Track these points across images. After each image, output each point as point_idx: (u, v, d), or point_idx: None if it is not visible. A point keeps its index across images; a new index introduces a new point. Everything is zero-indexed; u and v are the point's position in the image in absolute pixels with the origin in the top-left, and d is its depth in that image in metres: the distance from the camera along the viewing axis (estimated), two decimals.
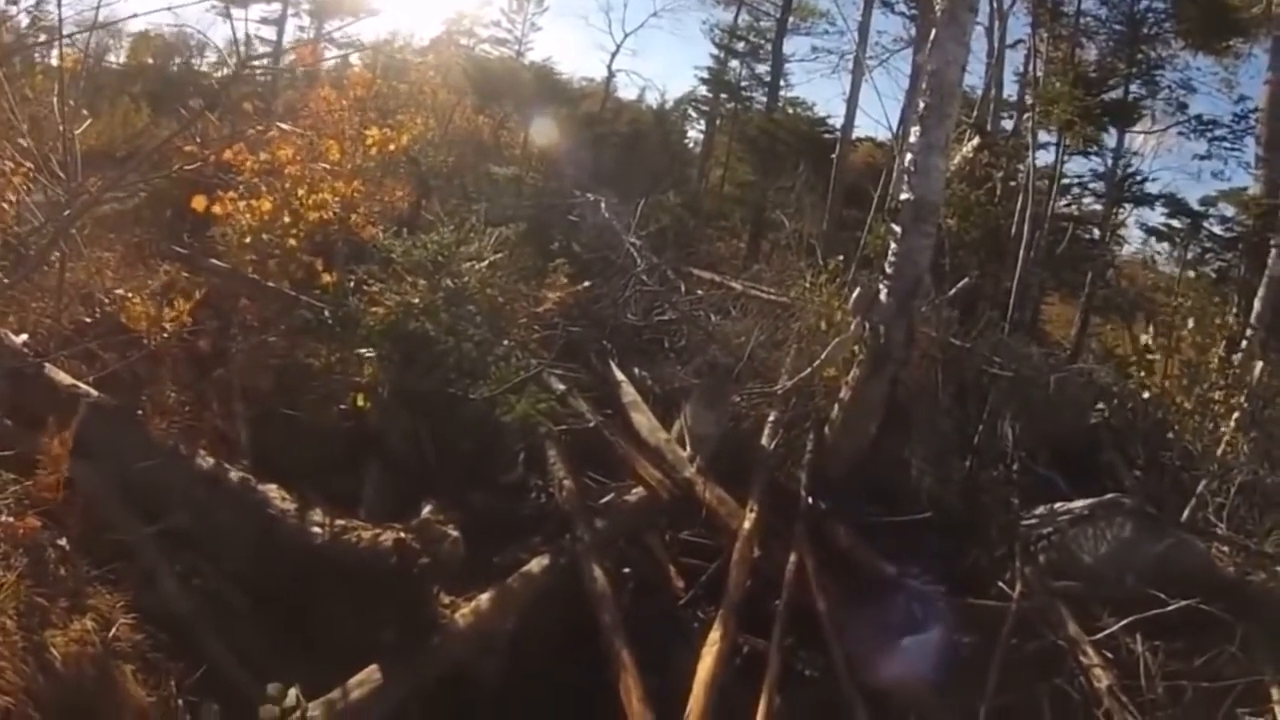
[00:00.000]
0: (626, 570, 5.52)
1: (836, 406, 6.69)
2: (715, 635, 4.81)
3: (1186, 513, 6.42)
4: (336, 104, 7.18)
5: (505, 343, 6.74)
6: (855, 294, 6.69)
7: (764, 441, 6.81)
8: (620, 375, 7.64)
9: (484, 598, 4.72)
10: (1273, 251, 11.58)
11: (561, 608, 5.04)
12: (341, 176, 6.76)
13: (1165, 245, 18.78)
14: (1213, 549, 6.07)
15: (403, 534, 4.48)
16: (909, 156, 6.56)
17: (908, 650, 5.06)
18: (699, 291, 10.24)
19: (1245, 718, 4.75)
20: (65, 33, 5.25)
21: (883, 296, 6.43)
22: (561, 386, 6.91)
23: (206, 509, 4.57)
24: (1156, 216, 18.07)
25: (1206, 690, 4.81)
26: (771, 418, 7.04)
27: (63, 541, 3.85)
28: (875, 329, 6.38)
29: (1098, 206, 18.05)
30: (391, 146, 7.28)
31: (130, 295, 5.86)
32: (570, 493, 5.83)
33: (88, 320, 6.01)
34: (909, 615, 5.40)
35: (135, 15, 6.40)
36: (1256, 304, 9.48)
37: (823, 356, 6.91)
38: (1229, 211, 16.90)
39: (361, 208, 7.12)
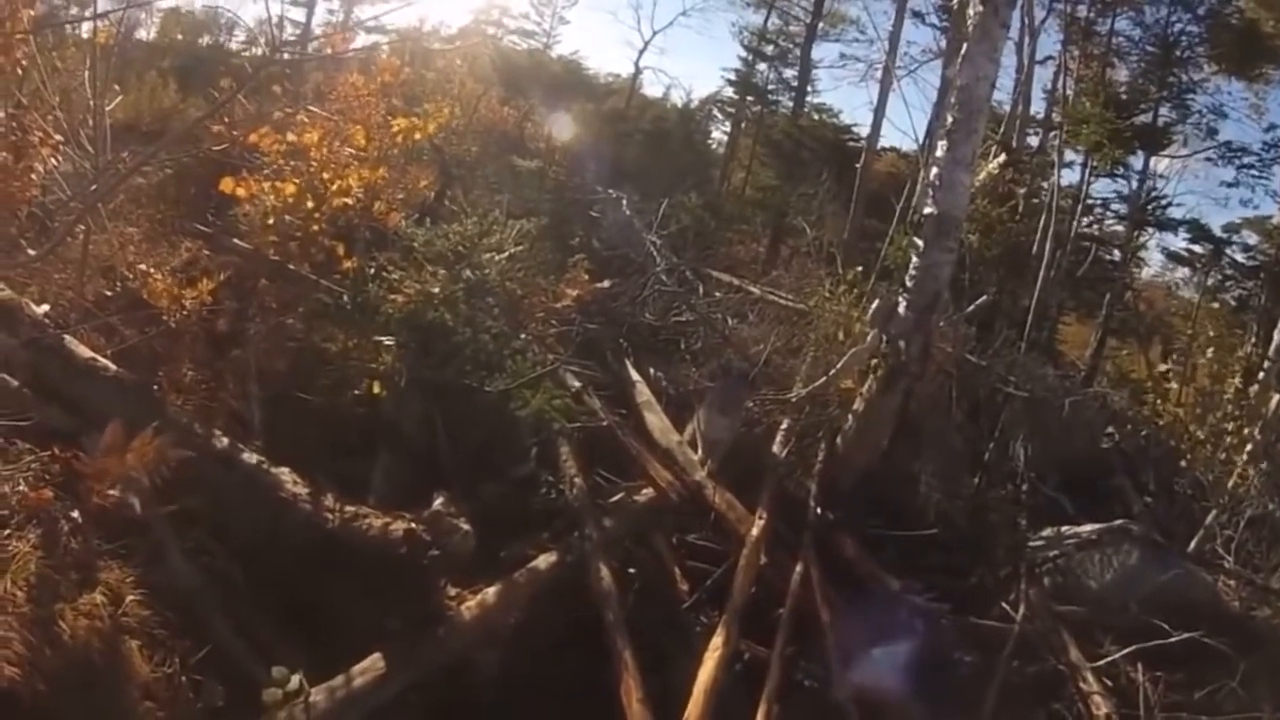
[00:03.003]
0: (632, 570, 5.50)
1: (850, 418, 6.68)
2: (717, 640, 4.80)
3: (1194, 543, 6.42)
4: (364, 90, 7.17)
5: (522, 337, 6.76)
6: (874, 306, 6.68)
7: (775, 449, 6.82)
8: (635, 375, 7.64)
9: (490, 591, 4.73)
10: None
11: (566, 604, 5.04)
12: (367, 163, 6.75)
13: (1186, 270, 18.76)
14: (1219, 582, 6.05)
15: (414, 524, 4.50)
16: (934, 171, 6.54)
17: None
18: (717, 294, 10.25)
19: None
20: (100, 10, 5.27)
21: (901, 310, 6.42)
22: (576, 383, 6.93)
23: (218, 489, 4.59)
24: (1179, 241, 18.05)
25: None
26: (784, 425, 7.06)
27: (76, 514, 3.88)
28: (893, 342, 6.37)
29: (1119, 228, 17.98)
30: (418, 135, 7.27)
31: (152, 271, 5.89)
32: (580, 490, 5.84)
33: (109, 294, 6.05)
34: (908, 630, 5.38)
35: None
36: (1276, 335, 9.39)
37: (838, 366, 6.91)
38: (1252, 239, 16.85)
39: (385, 194, 7.11)
